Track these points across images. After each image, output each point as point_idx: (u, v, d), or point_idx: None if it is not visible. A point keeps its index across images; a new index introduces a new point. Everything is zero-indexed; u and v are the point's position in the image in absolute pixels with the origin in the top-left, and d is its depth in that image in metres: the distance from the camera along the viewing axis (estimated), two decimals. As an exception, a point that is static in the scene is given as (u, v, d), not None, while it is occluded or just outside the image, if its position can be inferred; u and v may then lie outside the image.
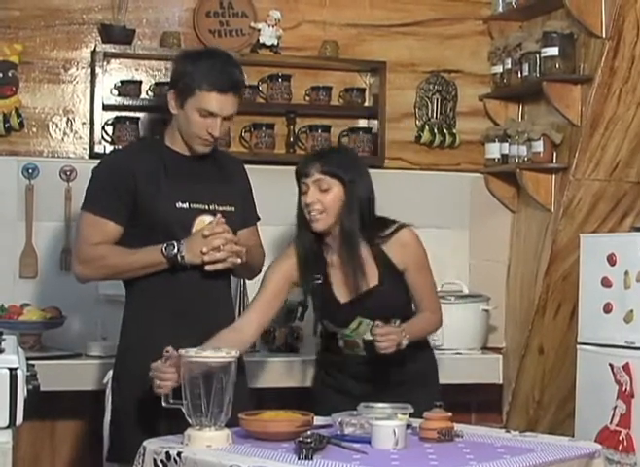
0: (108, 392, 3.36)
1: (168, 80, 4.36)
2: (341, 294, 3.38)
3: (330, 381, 3.49)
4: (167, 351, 2.90)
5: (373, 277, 3.36)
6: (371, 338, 3.30)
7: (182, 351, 2.79)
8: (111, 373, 3.38)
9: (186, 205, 3.26)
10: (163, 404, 2.86)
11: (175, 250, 3.19)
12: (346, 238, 3.32)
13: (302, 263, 3.38)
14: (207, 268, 3.21)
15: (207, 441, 2.73)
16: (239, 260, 3.24)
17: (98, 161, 3.43)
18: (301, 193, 3.35)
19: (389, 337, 3.21)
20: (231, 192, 3.38)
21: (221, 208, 3.29)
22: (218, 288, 3.34)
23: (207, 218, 3.27)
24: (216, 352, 2.79)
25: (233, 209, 3.35)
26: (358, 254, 3.33)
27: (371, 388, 3.36)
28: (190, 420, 2.77)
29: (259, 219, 3.56)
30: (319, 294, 3.41)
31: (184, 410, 2.77)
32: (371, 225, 3.35)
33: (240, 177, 3.49)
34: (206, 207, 3.29)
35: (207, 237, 3.18)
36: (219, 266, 3.22)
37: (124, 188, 3.24)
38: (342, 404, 3.17)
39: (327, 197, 3.29)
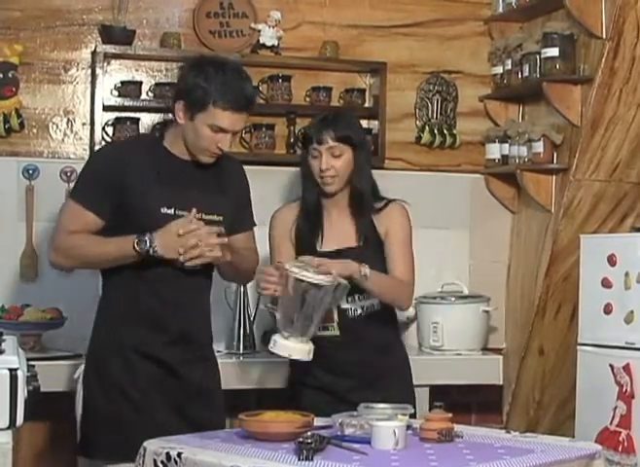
0: (79, 387, 3.32)
1: (169, 81, 4.42)
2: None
3: (305, 378, 3.47)
4: (279, 262, 3.26)
5: (358, 239, 3.48)
6: (347, 306, 3.38)
7: (287, 265, 3.09)
8: (82, 367, 3.34)
9: (171, 211, 3.19)
10: (261, 306, 3.17)
11: (149, 250, 3.12)
12: (359, 198, 3.49)
13: (305, 216, 3.53)
14: (187, 264, 3.14)
15: (290, 350, 3.02)
16: (219, 253, 3.16)
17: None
18: (311, 157, 3.48)
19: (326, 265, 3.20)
20: (223, 201, 3.30)
21: (207, 217, 3.22)
22: (194, 282, 3.27)
23: None
24: (319, 274, 3.05)
25: (221, 219, 3.27)
26: (369, 211, 3.49)
27: (349, 383, 3.36)
28: (279, 327, 3.08)
29: (255, 225, 3.50)
30: (302, 245, 3.51)
31: (277, 315, 3.05)
32: (366, 191, 3.50)
33: (237, 183, 3.42)
34: None
35: (182, 236, 3.11)
36: (198, 261, 3.15)
37: (114, 183, 3.18)
38: (321, 401, 3.16)
39: (339, 163, 3.45)
